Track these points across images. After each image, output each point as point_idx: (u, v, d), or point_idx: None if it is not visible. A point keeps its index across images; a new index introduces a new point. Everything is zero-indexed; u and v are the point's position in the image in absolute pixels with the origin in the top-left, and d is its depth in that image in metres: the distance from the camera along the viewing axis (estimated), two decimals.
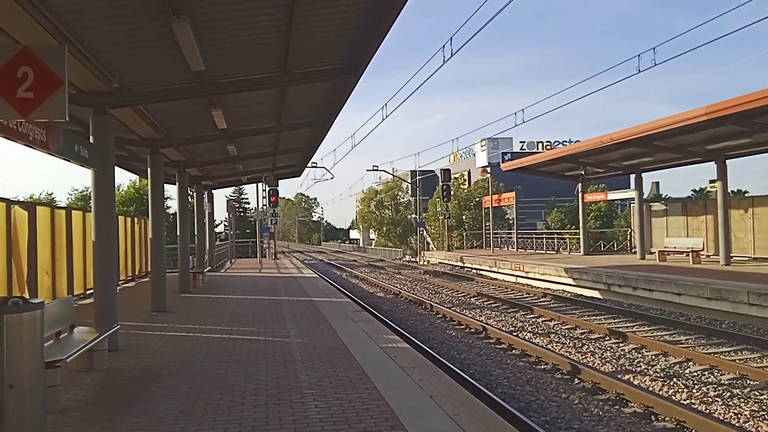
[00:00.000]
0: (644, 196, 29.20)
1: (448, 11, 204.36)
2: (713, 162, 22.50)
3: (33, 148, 6.46)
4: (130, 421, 5.65)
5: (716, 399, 8.69)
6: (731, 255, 22.14)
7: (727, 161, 22.18)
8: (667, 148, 21.83)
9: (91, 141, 9.02)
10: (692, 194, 60.93)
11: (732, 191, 31.80)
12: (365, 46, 9.57)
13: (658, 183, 66.67)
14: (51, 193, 50.88)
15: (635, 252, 28.67)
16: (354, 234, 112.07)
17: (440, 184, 44.90)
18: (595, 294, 20.32)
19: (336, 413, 5.81)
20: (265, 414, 5.81)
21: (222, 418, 5.70)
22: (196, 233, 24.20)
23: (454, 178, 59.26)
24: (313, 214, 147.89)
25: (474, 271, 31.87)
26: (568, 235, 38.69)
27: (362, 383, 6.92)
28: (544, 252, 36.26)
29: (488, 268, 30.39)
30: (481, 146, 78.95)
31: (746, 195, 36.89)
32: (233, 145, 16.30)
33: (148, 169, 14.13)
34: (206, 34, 7.81)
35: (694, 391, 9.12)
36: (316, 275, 25.88)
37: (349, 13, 8.47)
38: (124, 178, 46.22)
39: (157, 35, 7.78)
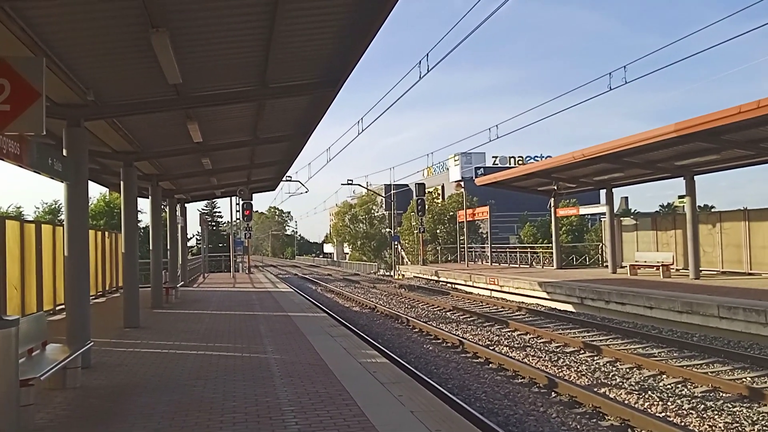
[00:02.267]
0: (614, 211, 29.67)
1: (424, 29, 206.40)
2: (682, 178, 23.01)
3: (7, 161, 6.31)
4: None
5: (691, 411, 8.81)
6: (700, 269, 22.59)
7: (695, 177, 22.70)
8: (637, 164, 22.27)
9: (64, 154, 8.86)
10: (660, 209, 62.15)
11: (700, 206, 32.49)
12: (344, 61, 9.59)
13: (627, 198, 67.77)
14: (19, 207, 49.68)
15: (607, 266, 29.07)
16: (328, 248, 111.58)
17: (415, 198, 45.03)
18: (569, 308, 20.53)
19: (317, 430, 5.75)
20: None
21: None
22: (168, 247, 23.85)
23: (428, 192, 59.55)
24: (287, 228, 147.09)
25: (449, 285, 31.97)
26: (540, 249, 39.08)
27: (342, 399, 6.86)
28: (517, 266, 36.56)
29: (463, 282, 30.51)
30: (455, 161, 79.46)
31: (714, 210, 37.78)
32: (208, 158, 16.16)
33: (121, 183, 13.91)
34: (185, 47, 7.75)
35: (669, 403, 9.23)
36: (291, 290, 25.69)
37: (329, 28, 8.50)
38: (94, 191, 45.42)
39: (135, 48, 7.70)
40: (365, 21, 7.96)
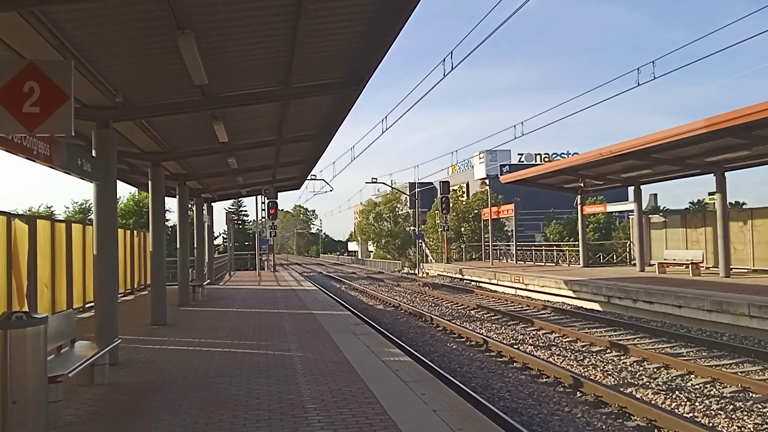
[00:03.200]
0: (643, 208, 29.24)
1: (449, 25, 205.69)
2: (712, 174, 22.58)
3: (37, 162, 6.48)
4: None
5: (719, 412, 8.66)
6: (731, 267, 22.15)
7: (725, 173, 22.26)
8: (666, 160, 21.92)
9: (93, 155, 9.04)
10: (690, 206, 61.10)
11: (730, 203, 31.86)
12: (367, 60, 9.63)
13: (656, 195, 66.87)
14: (50, 206, 50.79)
15: (634, 264, 28.67)
16: (352, 246, 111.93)
17: (439, 196, 44.95)
18: (595, 306, 20.29)
19: (339, 428, 5.78)
20: (268, 429, 5.78)
21: None
22: (195, 246, 24.17)
23: (453, 190, 59.30)
24: (312, 226, 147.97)
25: (473, 283, 31.83)
26: (567, 247, 38.70)
27: (365, 397, 6.88)
28: (543, 264, 36.25)
29: (488, 281, 30.36)
30: (480, 158, 79.11)
31: (745, 207, 37.00)
32: (234, 158, 16.33)
33: (149, 183, 14.15)
34: (210, 48, 7.85)
35: (697, 404, 9.08)
36: (316, 288, 25.84)
37: (352, 27, 8.53)
38: (123, 191, 46.28)
39: (161, 50, 7.82)
40: (388, 20, 7.98)
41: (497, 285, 28.91)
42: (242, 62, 9.26)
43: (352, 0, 7.72)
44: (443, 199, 44.19)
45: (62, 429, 5.79)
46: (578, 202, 31.07)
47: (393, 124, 41.36)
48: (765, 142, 17.95)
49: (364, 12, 8.03)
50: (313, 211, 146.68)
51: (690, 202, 66.07)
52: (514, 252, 40.93)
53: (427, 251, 55.80)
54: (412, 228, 66.77)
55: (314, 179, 44.14)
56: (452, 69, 16.49)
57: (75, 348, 7.43)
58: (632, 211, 30.06)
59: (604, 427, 8.13)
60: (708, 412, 8.67)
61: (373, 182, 54.08)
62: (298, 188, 33.58)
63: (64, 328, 7.25)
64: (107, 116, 9.22)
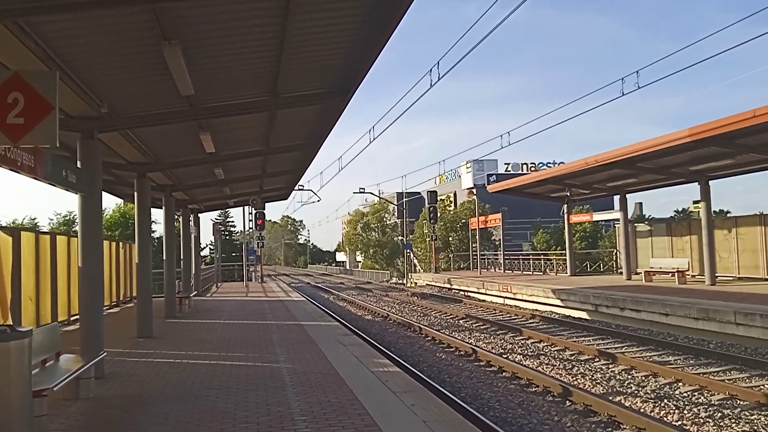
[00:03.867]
0: (628, 217, 29.45)
1: (435, 38, 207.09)
2: (696, 183, 22.79)
3: (21, 173, 6.39)
4: None
5: (707, 420, 8.69)
6: (716, 275, 22.32)
7: (710, 182, 22.48)
8: (650, 169, 22.11)
9: (78, 166, 8.95)
10: (675, 214, 61.59)
11: (715, 211, 32.14)
12: (354, 70, 9.64)
13: (641, 204, 67.17)
14: (34, 218, 50.22)
15: (621, 272, 28.82)
16: (340, 256, 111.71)
17: (427, 206, 44.98)
18: (583, 315, 20.36)
19: None
20: None
21: None
22: (182, 257, 23.98)
23: (440, 200, 59.36)
24: (300, 236, 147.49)
25: (462, 292, 31.85)
26: (554, 256, 38.85)
27: (354, 409, 6.84)
28: (531, 273, 36.34)
29: (476, 290, 30.39)
30: (467, 168, 79.36)
31: (730, 215, 37.37)
32: (221, 168, 16.26)
33: (135, 194, 14.03)
34: (196, 58, 7.82)
35: (686, 412, 9.11)
36: (304, 298, 25.72)
37: (339, 38, 8.54)
38: (110, 203, 45.75)
39: (147, 60, 7.78)
40: (375, 30, 8.00)
41: (485, 294, 28.95)
42: (229, 72, 9.22)
43: (339, 11, 7.73)
44: (431, 208, 44.22)
45: None
46: (564, 211, 31.25)
47: (381, 134, 41.73)
48: (748, 151, 18.17)
49: (351, 23, 8.04)
50: (301, 221, 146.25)
51: (675, 211, 66.58)
52: (501, 261, 41.02)
53: (416, 261, 55.81)
54: (400, 238, 66.80)
55: (302, 189, 44.09)
56: (439, 79, 16.60)
57: (60, 361, 7.31)
58: (618, 219, 30.27)
59: None
60: (697, 420, 8.70)
61: (360, 192, 54.04)
62: (286, 198, 33.49)
63: (49, 342, 7.13)
64: (92, 127, 9.14)
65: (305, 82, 10.42)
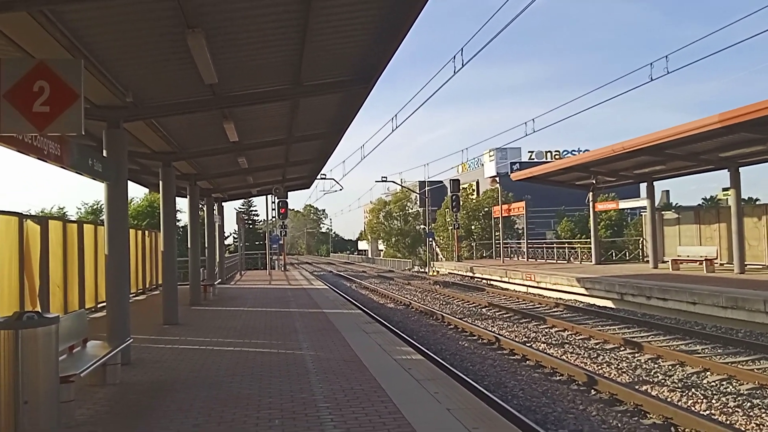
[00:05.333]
0: (655, 205, 29.00)
1: (459, 25, 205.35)
2: (726, 170, 22.35)
3: (47, 162, 6.47)
4: None
5: (736, 410, 8.54)
6: (745, 263, 21.91)
7: (740, 169, 22.02)
8: (679, 156, 21.70)
9: (104, 155, 9.04)
10: (703, 202, 60.50)
11: (744, 199, 31.50)
12: (377, 57, 9.57)
13: (668, 191, 66.21)
14: (62, 207, 51.07)
15: (647, 261, 28.45)
16: (362, 245, 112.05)
17: (449, 194, 44.79)
18: (608, 304, 20.14)
19: (353, 428, 5.73)
20: (280, 429, 5.74)
21: None
22: (206, 245, 24.21)
23: (463, 188, 59.14)
24: (322, 225, 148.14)
25: (484, 281, 31.72)
26: (578, 245, 38.46)
27: (378, 396, 6.83)
28: (554, 261, 36.05)
29: (499, 278, 30.23)
30: (490, 156, 78.90)
31: (759, 203, 36.62)
32: (244, 157, 16.32)
33: (160, 183, 14.15)
34: (220, 47, 7.82)
35: (714, 401, 8.97)
36: (326, 287, 25.82)
37: (362, 25, 8.47)
38: (138, 192, 46.26)
39: (172, 49, 7.80)
40: (398, 16, 7.92)
41: (508, 283, 28.78)
42: (252, 61, 9.22)
43: None
44: (453, 197, 44.05)
45: (74, 429, 5.77)
46: (590, 199, 30.87)
47: (403, 122, 41.71)
48: None
49: (373, 9, 7.97)
50: (323, 210, 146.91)
51: (703, 198, 65.48)
52: (525, 249, 40.73)
53: (437, 249, 55.71)
54: (422, 227, 66.66)
55: (324, 178, 44.14)
56: (463, 66, 16.42)
57: (87, 348, 7.43)
58: (644, 207, 29.85)
59: (619, 425, 8.03)
60: (725, 410, 8.56)
61: (383, 181, 53.96)
62: (308, 187, 33.62)
63: (76, 328, 7.25)
64: (118, 116, 9.22)
65: (328, 70, 10.38)
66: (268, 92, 10.73)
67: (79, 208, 47.57)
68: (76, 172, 7.58)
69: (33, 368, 4.64)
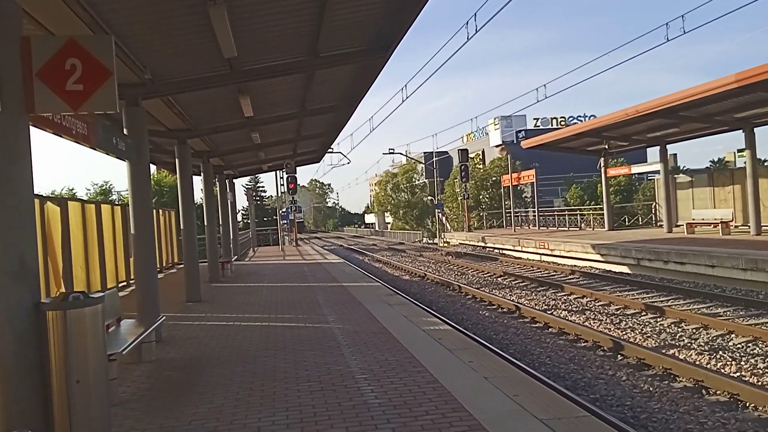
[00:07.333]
0: (668, 168, 28.76)
1: None
2: (741, 130, 22.09)
3: (76, 142, 6.41)
4: (190, 411, 5.64)
5: (767, 371, 8.55)
6: (761, 225, 21.79)
7: (755, 129, 21.77)
8: (693, 118, 21.44)
9: (124, 133, 8.98)
10: (711, 165, 59.99)
11: (759, 160, 31.23)
12: (396, 25, 9.41)
13: (675, 155, 65.69)
14: (72, 189, 51.00)
15: (661, 225, 28.35)
16: (369, 218, 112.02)
17: (458, 164, 44.53)
18: (625, 269, 20.13)
19: (394, 397, 5.77)
20: (322, 400, 5.78)
21: (281, 405, 5.68)
22: (221, 223, 24.24)
23: (470, 158, 58.81)
24: (328, 199, 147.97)
25: (496, 250, 31.72)
26: (588, 211, 38.31)
27: (413, 367, 6.87)
28: (566, 229, 35.96)
29: (511, 247, 30.22)
30: (495, 125, 78.24)
31: None
32: (257, 132, 16.23)
33: (176, 161, 14.09)
34: (240, 19, 7.70)
35: (743, 363, 8.99)
36: (340, 260, 25.87)
37: None
38: None
39: (191, 23, 7.69)
40: None
41: (521, 252, 28.77)
42: (271, 32, 9.08)
43: None
44: (462, 167, 43.82)
45: (120, 407, 5.84)
46: (602, 164, 30.64)
47: (414, 92, 41.22)
48: None
49: None
50: (329, 184, 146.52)
51: (711, 161, 64.83)
52: (534, 218, 40.62)
53: (445, 220, 55.64)
54: (429, 198, 66.51)
55: (332, 152, 43.96)
56: (476, 32, 16.12)
57: (121, 327, 7.47)
58: (653, 172, 29.60)
59: (651, 389, 8.05)
60: (755, 371, 8.58)
61: (390, 153, 53.82)
62: (318, 161, 33.49)
63: (111, 308, 7.26)
64: (137, 94, 9.14)
65: (346, 39, 10.23)
66: (285, 65, 10.58)
67: (88, 189, 47.58)
68: (102, 152, 7.53)
69: (82, 348, 4.65)
